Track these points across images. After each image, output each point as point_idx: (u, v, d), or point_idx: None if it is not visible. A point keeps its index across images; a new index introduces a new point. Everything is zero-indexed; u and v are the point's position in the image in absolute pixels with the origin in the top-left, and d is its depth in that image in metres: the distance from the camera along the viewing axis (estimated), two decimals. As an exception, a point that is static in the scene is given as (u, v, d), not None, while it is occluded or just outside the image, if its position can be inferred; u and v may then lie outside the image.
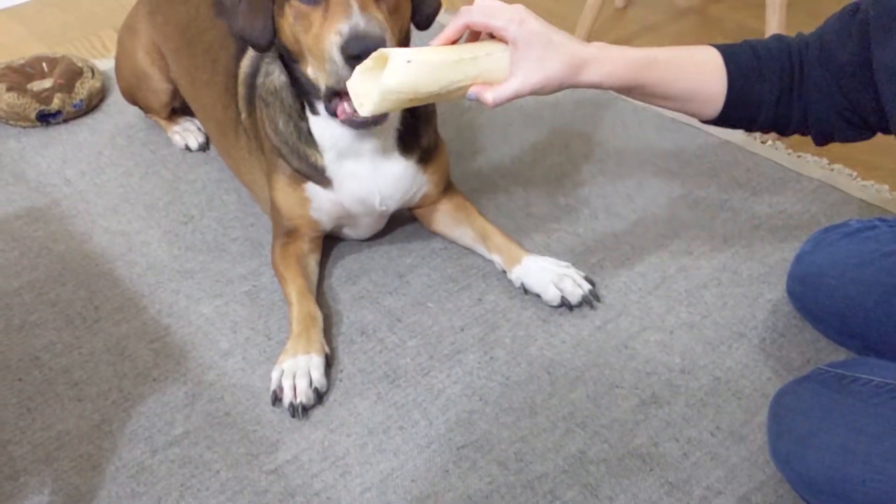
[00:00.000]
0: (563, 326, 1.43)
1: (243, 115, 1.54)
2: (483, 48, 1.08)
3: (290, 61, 1.33)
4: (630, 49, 1.12)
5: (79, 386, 1.36)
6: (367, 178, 1.43)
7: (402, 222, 1.64)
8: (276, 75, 1.41)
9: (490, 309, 1.47)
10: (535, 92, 1.08)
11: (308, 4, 1.21)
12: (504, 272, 1.51)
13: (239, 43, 1.56)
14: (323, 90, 1.28)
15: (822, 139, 1.17)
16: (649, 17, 2.42)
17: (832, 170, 1.74)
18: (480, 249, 1.55)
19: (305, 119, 1.40)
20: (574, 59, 1.07)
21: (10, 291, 1.54)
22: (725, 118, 1.18)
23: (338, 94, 1.27)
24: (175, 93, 1.85)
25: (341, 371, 1.36)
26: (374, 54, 1.07)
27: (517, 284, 1.49)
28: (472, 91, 1.08)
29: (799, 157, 1.79)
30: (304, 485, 1.20)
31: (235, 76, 1.56)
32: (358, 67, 1.10)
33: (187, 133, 1.90)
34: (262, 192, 1.59)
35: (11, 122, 1.99)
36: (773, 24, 1.80)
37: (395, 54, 1.04)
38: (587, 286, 1.46)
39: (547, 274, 1.45)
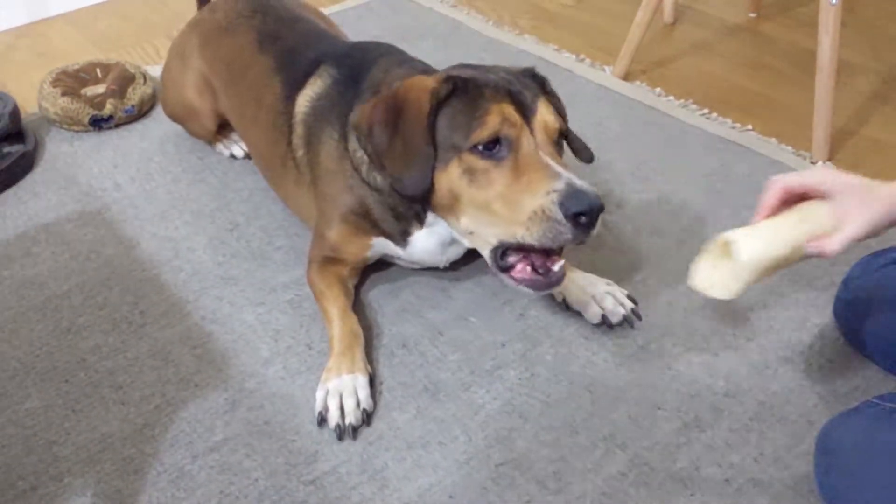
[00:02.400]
0: (606, 345, 1.42)
1: (300, 153, 1.52)
2: (804, 208, 1.12)
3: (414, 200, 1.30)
4: None
5: (123, 389, 1.38)
6: (442, 243, 1.42)
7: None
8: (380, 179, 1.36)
9: (532, 325, 1.46)
10: (869, 235, 1.10)
11: (493, 160, 1.18)
12: (547, 289, 1.50)
13: (289, 82, 1.57)
14: (494, 245, 1.23)
15: None
16: (698, 34, 2.39)
17: (885, 193, 1.70)
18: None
19: (425, 212, 1.36)
20: (892, 197, 1.09)
21: (59, 294, 1.57)
22: None
23: (508, 250, 1.22)
24: (222, 125, 1.87)
25: (381, 384, 1.37)
26: (711, 244, 1.12)
27: (559, 300, 1.48)
28: (810, 247, 1.10)
29: (850, 179, 1.76)
30: (341, 497, 1.20)
31: (285, 114, 1.56)
32: (695, 266, 1.14)
33: (230, 142, 1.93)
34: (311, 221, 1.56)
35: (65, 126, 2.03)
36: (826, 43, 1.77)
37: (735, 235, 1.10)
38: (629, 305, 1.44)
39: (588, 291, 1.44)
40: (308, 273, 1.50)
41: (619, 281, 1.50)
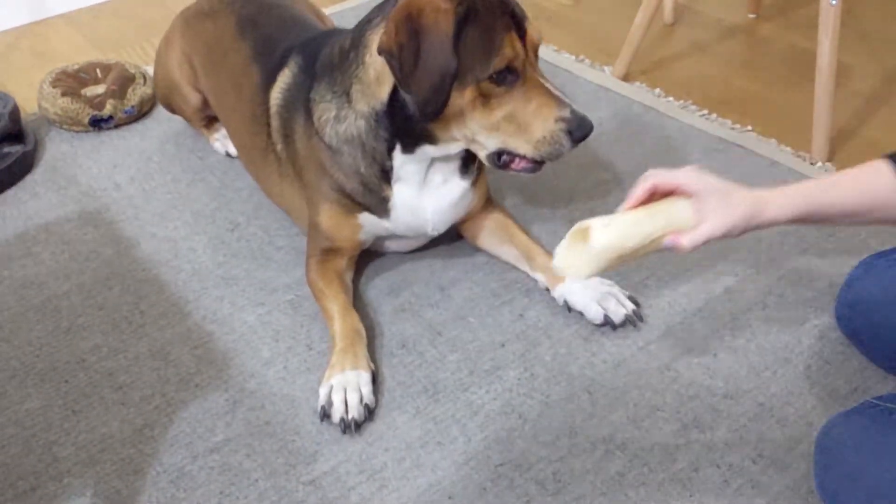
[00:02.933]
0: (605, 346, 1.42)
1: (279, 146, 1.55)
2: (667, 203, 1.17)
3: (405, 114, 1.33)
4: (798, 183, 1.19)
5: (123, 390, 1.38)
6: (424, 206, 1.45)
7: (445, 236, 1.64)
8: (352, 122, 1.39)
9: (531, 325, 1.46)
10: (724, 236, 1.15)
11: (505, 86, 1.26)
12: (547, 289, 1.51)
13: (265, 73, 1.57)
14: (492, 151, 1.34)
15: None
16: (698, 35, 2.39)
17: (884, 194, 1.70)
18: (524, 267, 1.54)
19: (391, 158, 1.39)
20: (753, 204, 1.15)
21: (59, 294, 1.57)
22: None
23: (502, 152, 1.34)
24: (205, 102, 1.88)
25: (381, 384, 1.37)
26: (573, 229, 1.16)
27: (560, 302, 1.48)
28: (667, 240, 1.15)
29: (849, 180, 1.76)
30: (340, 497, 1.20)
31: (263, 105, 1.57)
32: (558, 248, 1.18)
33: (227, 140, 1.93)
34: (295, 212, 1.61)
35: (65, 126, 2.03)
36: (826, 45, 1.77)
37: (595, 222, 1.14)
38: (631, 306, 1.45)
39: (591, 292, 1.45)
40: (307, 273, 1.50)
41: (619, 282, 1.51)
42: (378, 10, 1.35)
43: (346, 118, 1.39)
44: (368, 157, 1.40)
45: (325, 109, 1.41)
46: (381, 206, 1.45)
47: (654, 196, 1.17)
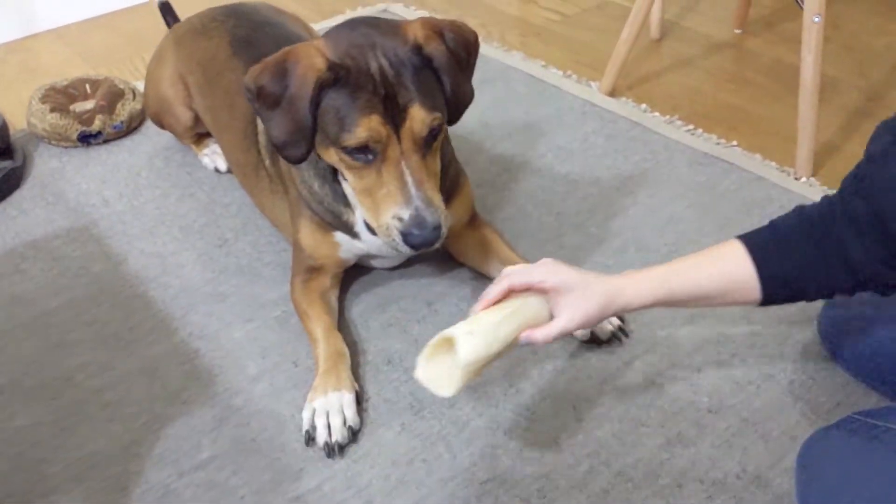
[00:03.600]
0: (591, 361, 1.43)
1: (267, 162, 1.57)
2: (521, 301, 1.18)
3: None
4: (655, 267, 1.20)
5: (111, 406, 1.39)
6: None
7: (431, 252, 1.65)
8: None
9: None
10: (580, 326, 1.19)
11: (360, 162, 1.25)
12: (532, 305, 1.51)
13: None
14: (359, 213, 1.35)
15: (885, 291, 1.12)
16: (684, 50, 2.41)
17: (867, 209, 1.72)
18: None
19: (339, 183, 1.40)
20: (606, 293, 1.17)
21: (48, 310, 1.58)
22: (774, 298, 1.17)
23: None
24: (197, 119, 1.89)
25: (367, 401, 1.37)
26: (434, 340, 1.14)
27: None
28: (523, 337, 1.16)
29: (833, 195, 1.78)
30: (327, 514, 1.21)
31: (253, 122, 1.58)
32: (421, 358, 1.15)
33: (216, 156, 1.94)
34: (285, 228, 1.61)
35: (53, 142, 2.04)
36: (809, 60, 1.79)
37: (457, 332, 1.12)
38: (616, 321, 1.46)
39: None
40: (292, 293, 1.51)
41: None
42: None
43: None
44: (327, 183, 1.42)
45: None
46: (348, 230, 1.46)
47: (509, 294, 1.19)
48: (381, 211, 1.25)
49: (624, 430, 1.31)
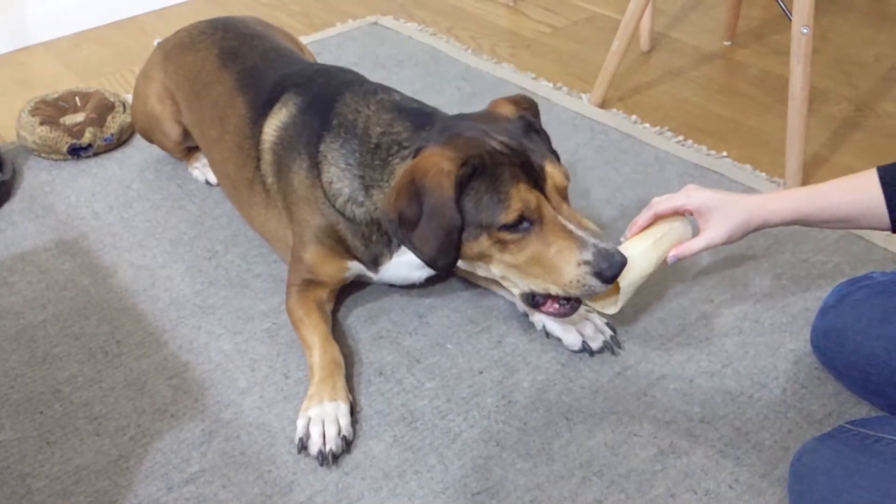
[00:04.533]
0: (583, 371, 1.42)
1: (269, 179, 1.54)
2: (667, 224, 1.34)
3: None
4: (794, 189, 1.31)
5: (98, 420, 1.37)
6: (416, 268, 1.46)
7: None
8: (370, 210, 1.39)
9: (509, 352, 1.46)
10: (725, 241, 1.30)
11: (520, 234, 1.25)
12: (525, 314, 1.51)
13: (253, 105, 1.58)
14: (524, 291, 1.33)
15: None
16: (674, 61, 2.42)
17: (857, 219, 1.73)
18: (503, 292, 1.55)
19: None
20: (749, 209, 1.28)
21: (35, 323, 1.56)
22: None
23: (534, 293, 1.32)
24: (186, 134, 1.88)
25: (359, 412, 1.37)
26: None
27: (538, 327, 1.49)
28: (671, 256, 1.32)
29: (823, 205, 1.78)
30: (317, 527, 1.20)
31: (252, 138, 1.57)
32: None
33: (206, 169, 1.93)
34: (278, 242, 1.61)
35: (44, 154, 2.03)
36: (798, 70, 1.80)
37: None
38: (608, 332, 1.45)
39: (567, 319, 1.45)
40: (287, 300, 1.50)
41: (602, 316, 1.51)
42: (418, 126, 1.36)
43: (365, 205, 1.40)
44: (384, 235, 1.42)
45: (338, 180, 1.41)
46: (372, 264, 1.47)
47: (657, 220, 1.35)
48: (562, 268, 1.24)
49: (616, 440, 1.30)
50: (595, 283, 1.23)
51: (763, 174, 1.89)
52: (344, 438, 1.29)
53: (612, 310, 1.32)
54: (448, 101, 2.21)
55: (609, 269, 1.23)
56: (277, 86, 1.57)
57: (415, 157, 1.30)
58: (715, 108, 2.19)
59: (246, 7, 2.86)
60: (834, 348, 1.33)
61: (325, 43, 2.52)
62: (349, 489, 1.24)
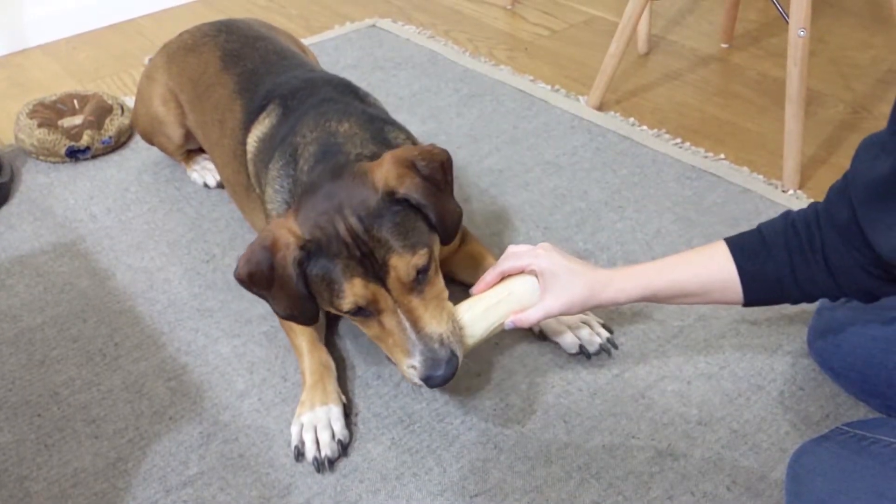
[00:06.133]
0: (581, 374, 1.42)
1: (257, 190, 1.53)
2: (513, 284, 1.29)
3: None
4: (643, 264, 1.26)
5: (96, 423, 1.37)
6: None
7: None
8: None
9: (507, 355, 1.47)
10: (562, 312, 1.26)
11: (362, 317, 1.23)
12: (521, 318, 1.51)
13: (246, 111, 1.58)
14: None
15: (865, 297, 1.14)
16: (671, 64, 2.43)
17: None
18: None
19: None
20: (593, 283, 1.23)
21: (33, 326, 1.56)
22: (755, 299, 1.21)
23: None
24: (188, 137, 1.88)
25: (356, 415, 1.37)
26: None
27: (535, 331, 1.49)
28: (507, 322, 1.27)
29: (820, 207, 1.78)
30: (315, 530, 1.20)
31: (243, 145, 1.57)
32: None
33: (205, 171, 1.93)
34: None
35: (41, 157, 2.03)
36: (795, 73, 1.80)
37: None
38: (605, 334, 1.46)
39: (564, 321, 1.45)
40: None
41: (594, 311, 1.51)
42: (320, 174, 1.30)
43: None
44: None
45: (270, 200, 1.41)
46: None
47: (504, 278, 1.30)
48: (397, 359, 1.23)
49: (614, 442, 1.30)
50: (424, 386, 1.22)
51: (760, 176, 1.89)
52: (339, 442, 1.29)
53: None
54: (446, 103, 2.21)
55: (435, 379, 1.19)
56: (268, 94, 1.57)
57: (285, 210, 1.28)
58: (712, 111, 2.20)
59: (245, 10, 2.86)
60: (830, 349, 1.34)
61: (323, 46, 2.52)
62: (347, 492, 1.24)
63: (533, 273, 1.27)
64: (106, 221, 1.84)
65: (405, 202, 1.22)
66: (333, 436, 1.29)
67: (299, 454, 1.29)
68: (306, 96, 1.51)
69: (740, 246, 1.19)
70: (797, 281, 1.15)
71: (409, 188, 1.22)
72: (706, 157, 1.98)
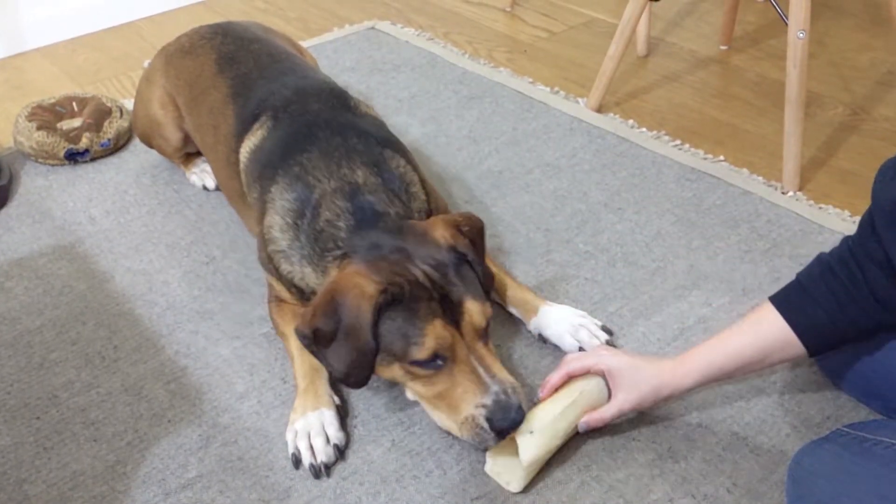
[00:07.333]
0: (580, 376, 1.42)
1: (249, 198, 1.52)
2: (579, 386, 1.28)
3: None
4: (698, 347, 1.26)
5: (95, 426, 1.37)
6: None
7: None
8: (311, 278, 1.35)
9: (507, 357, 1.46)
10: (635, 409, 1.28)
11: (431, 370, 1.21)
12: (522, 322, 1.51)
13: (239, 118, 1.57)
14: (433, 419, 1.29)
15: None
16: (670, 66, 2.43)
17: (854, 222, 1.73)
18: (498, 300, 1.54)
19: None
20: (657, 378, 1.25)
21: (32, 329, 1.56)
22: (819, 348, 1.22)
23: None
24: (186, 140, 1.88)
25: (356, 417, 1.36)
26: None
27: (535, 334, 1.48)
28: (581, 424, 1.27)
29: (821, 208, 1.78)
30: (315, 532, 1.19)
31: (236, 153, 1.56)
32: (488, 454, 1.25)
33: (204, 174, 1.93)
34: None
35: (40, 160, 2.03)
36: (794, 76, 1.80)
37: (519, 433, 1.20)
38: (604, 336, 1.45)
39: (563, 324, 1.45)
40: (269, 312, 1.50)
41: (593, 312, 1.51)
42: (358, 225, 1.31)
43: (293, 266, 1.37)
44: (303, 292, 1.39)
45: (279, 230, 1.38)
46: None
47: (570, 379, 1.29)
48: (462, 408, 1.21)
49: (615, 445, 1.30)
50: (485, 427, 1.19)
51: (760, 178, 1.89)
52: (335, 446, 1.29)
53: (515, 487, 1.22)
54: (445, 105, 2.21)
55: (502, 421, 1.18)
56: (260, 104, 1.56)
57: (341, 261, 1.28)
58: (712, 113, 2.20)
59: (242, 13, 2.86)
60: (832, 351, 1.33)
61: (322, 48, 2.52)
62: (347, 494, 1.24)
63: (599, 373, 1.28)
64: (105, 224, 1.84)
65: (464, 258, 1.28)
66: (328, 440, 1.28)
67: (297, 461, 1.28)
68: (298, 112, 1.51)
69: (786, 302, 1.20)
70: (852, 321, 1.16)
71: (464, 247, 1.28)
72: (705, 158, 1.98)
